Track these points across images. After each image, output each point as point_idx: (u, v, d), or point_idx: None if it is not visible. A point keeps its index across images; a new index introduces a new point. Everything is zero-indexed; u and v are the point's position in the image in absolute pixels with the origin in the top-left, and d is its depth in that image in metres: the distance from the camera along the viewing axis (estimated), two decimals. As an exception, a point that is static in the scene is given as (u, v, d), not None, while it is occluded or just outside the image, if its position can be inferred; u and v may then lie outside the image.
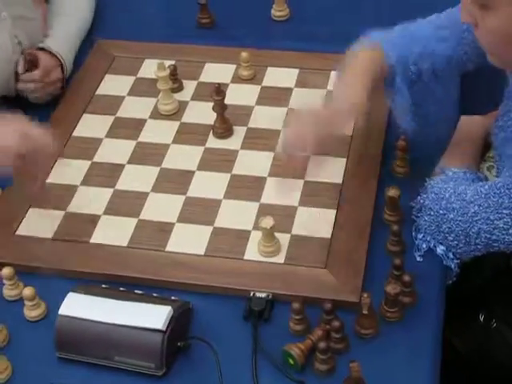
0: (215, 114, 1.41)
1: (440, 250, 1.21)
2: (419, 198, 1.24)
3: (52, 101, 1.51)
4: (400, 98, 1.26)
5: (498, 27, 1.06)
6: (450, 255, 1.21)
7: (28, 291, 1.15)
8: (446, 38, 1.25)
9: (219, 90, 1.39)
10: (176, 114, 1.47)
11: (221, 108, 1.40)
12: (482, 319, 1.30)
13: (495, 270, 1.32)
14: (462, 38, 1.24)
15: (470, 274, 1.25)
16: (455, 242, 1.18)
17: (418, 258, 1.22)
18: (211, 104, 1.44)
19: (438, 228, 1.19)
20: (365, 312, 1.10)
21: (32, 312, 1.17)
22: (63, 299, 1.13)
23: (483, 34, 1.09)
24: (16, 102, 1.49)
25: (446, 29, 1.25)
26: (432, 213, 1.19)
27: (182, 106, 1.49)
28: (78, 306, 1.12)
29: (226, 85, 1.52)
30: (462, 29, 1.23)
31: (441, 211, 1.18)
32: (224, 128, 1.41)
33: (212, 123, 1.43)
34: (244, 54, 1.51)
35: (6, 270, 1.18)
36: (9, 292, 1.19)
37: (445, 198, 1.17)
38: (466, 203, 1.14)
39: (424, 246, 1.22)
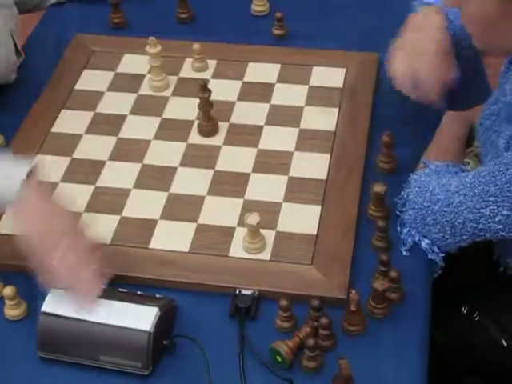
0: (200, 112, 1.39)
1: (425, 243, 1.21)
2: (403, 192, 1.24)
3: (30, 97, 1.49)
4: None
5: (476, 11, 1.08)
6: (435, 249, 1.21)
7: (8, 290, 1.13)
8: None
9: (205, 88, 1.36)
10: (166, 90, 1.48)
11: (207, 106, 1.38)
12: (465, 312, 1.31)
13: (478, 263, 1.33)
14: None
15: (453, 267, 1.25)
16: (440, 234, 1.17)
17: (404, 253, 1.21)
18: (192, 99, 1.43)
19: (423, 221, 1.19)
20: (353, 309, 1.09)
21: (13, 311, 1.15)
22: (44, 298, 1.11)
23: (466, 18, 1.12)
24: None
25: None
26: (416, 206, 1.19)
27: (162, 102, 1.47)
28: (60, 303, 1.09)
29: (207, 80, 1.50)
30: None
31: (425, 203, 1.18)
32: (210, 126, 1.39)
33: (193, 119, 1.42)
34: (196, 46, 1.50)
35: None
36: (-11, 291, 1.17)
37: (429, 191, 1.17)
38: (451, 194, 1.14)
39: (409, 240, 1.22)
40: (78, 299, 1.09)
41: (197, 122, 1.41)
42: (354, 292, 1.09)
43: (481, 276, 1.32)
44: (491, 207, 1.10)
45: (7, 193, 1.10)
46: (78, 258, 1.09)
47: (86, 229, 1.13)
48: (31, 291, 1.16)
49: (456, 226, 1.14)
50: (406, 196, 1.22)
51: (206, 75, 1.51)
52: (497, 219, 1.10)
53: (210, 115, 1.39)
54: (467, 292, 1.33)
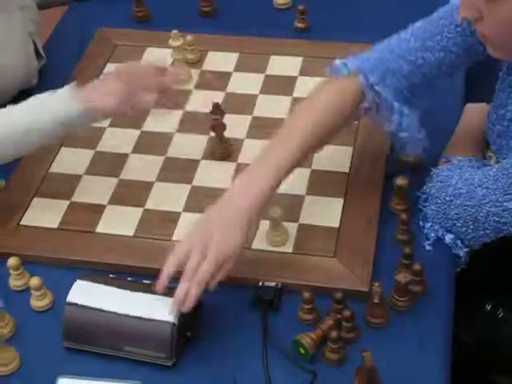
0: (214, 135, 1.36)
1: (448, 238, 1.21)
2: (425, 187, 1.23)
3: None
4: (406, 119, 1.21)
5: (506, 17, 1.03)
6: (459, 243, 1.20)
7: (35, 281, 1.14)
8: (432, 47, 1.19)
9: (217, 108, 1.32)
10: (189, 83, 1.48)
11: (219, 128, 1.34)
12: (488, 308, 1.30)
13: (502, 258, 1.32)
14: (450, 40, 1.18)
15: (476, 262, 1.25)
16: (463, 229, 1.17)
17: (428, 247, 1.21)
18: (214, 93, 1.44)
19: (446, 216, 1.18)
20: (376, 301, 1.09)
21: (39, 302, 1.16)
22: (69, 289, 1.12)
23: (491, 26, 1.05)
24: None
25: (431, 36, 1.19)
26: (439, 201, 1.19)
27: (184, 95, 1.47)
28: (86, 294, 1.11)
29: (229, 73, 1.51)
30: (449, 31, 1.18)
31: (447, 198, 1.17)
32: (223, 149, 1.35)
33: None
34: (189, 37, 1.50)
35: (12, 261, 1.16)
36: (15, 282, 1.18)
37: (451, 185, 1.17)
38: (474, 187, 1.14)
39: (432, 234, 1.22)
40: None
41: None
42: (376, 284, 1.10)
43: (503, 271, 1.32)
44: None
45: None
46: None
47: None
48: (57, 282, 1.18)
49: (479, 220, 1.14)
50: (428, 191, 1.22)
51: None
52: None
53: (223, 138, 1.35)
54: (490, 288, 1.32)
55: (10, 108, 1.20)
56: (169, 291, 1.09)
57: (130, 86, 1.21)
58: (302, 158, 1.18)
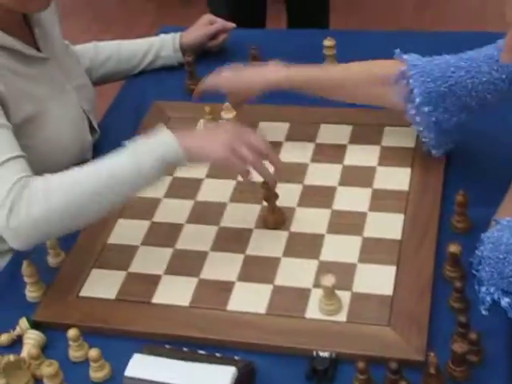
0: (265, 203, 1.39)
1: (504, 302, 1.20)
2: (477, 251, 1.23)
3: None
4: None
5: None
6: None
7: (94, 352, 1.16)
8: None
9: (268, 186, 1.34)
10: None
11: (271, 197, 1.36)
12: None
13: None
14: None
15: None
16: None
17: (484, 312, 1.20)
18: (265, 162, 1.47)
19: (501, 275, 1.18)
20: (432, 371, 1.08)
21: (97, 373, 1.18)
22: (127, 360, 1.14)
23: None
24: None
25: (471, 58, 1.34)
26: (492, 261, 1.19)
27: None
28: (143, 367, 1.13)
29: (280, 143, 1.54)
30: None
31: (501, 256, 1.17)
32: (276, 218, 1.37)
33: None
34: (207, 108, 1.56)
35: (72, 332, 1.19)
36: (74, 353, 1.21)
37: (503, 243, 1.17)
38: None
39: (488, 298, 1.21)
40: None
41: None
42: (432, 354, 1.09)
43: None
44: None
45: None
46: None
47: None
48: (115, 354, 1.20)
49: None
50: (480, 254, 1.22)
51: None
52: None
53: (276, 207, 1.37)
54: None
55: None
56: (221, 360, 1.10)
57: (237, 141, 1.28)
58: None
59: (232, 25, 1.78)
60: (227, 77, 1.52)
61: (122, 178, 1.24)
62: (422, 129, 1.40)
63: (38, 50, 1.48)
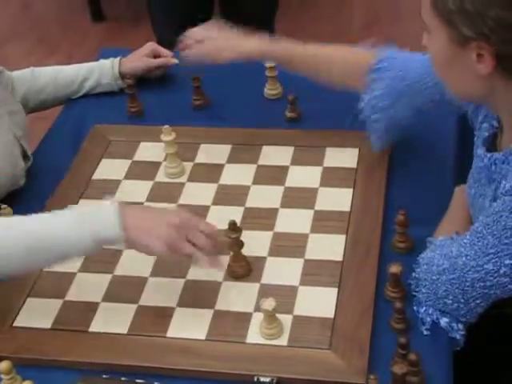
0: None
1: (443, 322, 1.20)
2: (413, 274, 1.23)
3: (48, 187, 1.52)
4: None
5: (433, 53, 1.13)
6: (455, 326, 1.19)
7: (26, 385, 1.12)
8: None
9: (235, 227, 1.28)
10: (181, 176, 1.51)
11: (237, 246, 1.30)
12: None
13: (500, 336, 1.31)
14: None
15: (474, 341, 1.23)
16: (455, 305, 1.17)
17: (425, 332, 1.20)
18: (207, 185, 1.45)
19: (436, 295, 1.18)
20: (372, 394, 1.07)
21: (31, 408, 1.14)
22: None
23: (428, 57, 1.17)
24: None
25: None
26: (427, 283, 1.19)
27: (178, 188, 1.49)
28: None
29: (222, 165, 1.53)
30: None
31: (434, 277, 1.18)
32: (242, 267, 1.31)
33: (209, 204, 1.44)
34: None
35: (4, 364, 1.15)
36: (7, 387, 1.17)
37: (435, 264, 1.18)
38: (454, 259, 1.15)
39: (428, 319, 1.21)
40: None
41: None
42: (372, 377, 1.08)
43: (502, 349, 1.30)
44: (493, 260, 1.10)
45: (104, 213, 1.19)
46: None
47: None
48: (49, 384, 1.16)
49: (466, 290, 1.14)
50: (416, 276, 1.22)
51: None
52: (501, 271, 1.10)
53: (241, 255, 1.30)
54: (489, 367, 1.30)
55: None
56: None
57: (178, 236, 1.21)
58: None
59: (174, 61, 1.72)
60: (213, 36, 1.53)
61: (55, 247, 1.18)
62: (375, 121, 1.41)
63: None
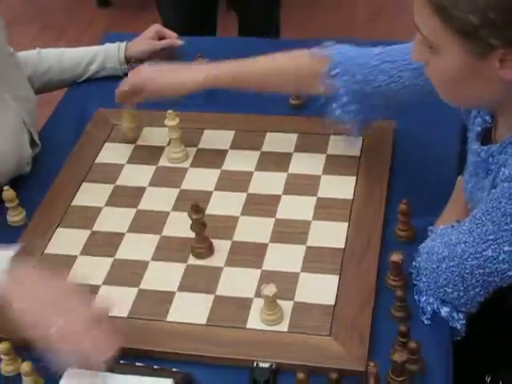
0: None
1: (444, 311, 1.20)
2: (414, 262, 1.23)
3: (51, 170, 1.51)
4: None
5: (444, 69, 1.10)
6: (455, 315, 1.19)
7: (26, 367, 1.12)
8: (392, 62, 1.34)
9: (198, 209, 1.28)
10: (184, 161, 1.50)
11: (200, 226, 1.30)
12: (488, 381, 1.27)
13: (501, 327, 1.30)
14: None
15: (475, 331, 1.23)
16: (455, 293, 1.16)
17: (426, 322, 1.20)
18: (211, 170, 1.45)
19: (436, 284, 1.18)
20: (371, 382, 1.07)
21: (30, 388, 1.14)
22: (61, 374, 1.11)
23: (433, 73, 1.14)
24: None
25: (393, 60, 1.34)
26: (427, 272, 1.19)
27: (181, 173, 1.48)
28: (77, 381, 1.09)
29: (226, 151, 1.52)
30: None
31: (434, 265, 1.17)
32: (203, 248, 1.31)
33: (212, 190, 1.43)
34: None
35: (3, 345, 1.15)
36: (6, 367, 1.17)
37: (435, 253, 1.18)
38: (453, 246, 1.14)
39: (429, 308, 1.21)
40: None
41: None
42: (372, 364, 1.07)
43: (502, 340, 1.29)
44: (492, 247, 1.10)
45: None
46: (78, 327, 1.07)
47: (92, 299, 1.14)
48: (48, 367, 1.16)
49: (466, 277, 1.14)
50: (417, 265, 1.22)
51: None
52: (500, 258, 1.10)
53: (204, 236, 1.31)
54: (489, 358, 1.30)
55: None
56: (158, 373, 1.07)
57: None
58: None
59: (179, 42, 1.73)
60: (151, 77, 1.48)
61: None
62: (348, 124, 1.40)
63: None
